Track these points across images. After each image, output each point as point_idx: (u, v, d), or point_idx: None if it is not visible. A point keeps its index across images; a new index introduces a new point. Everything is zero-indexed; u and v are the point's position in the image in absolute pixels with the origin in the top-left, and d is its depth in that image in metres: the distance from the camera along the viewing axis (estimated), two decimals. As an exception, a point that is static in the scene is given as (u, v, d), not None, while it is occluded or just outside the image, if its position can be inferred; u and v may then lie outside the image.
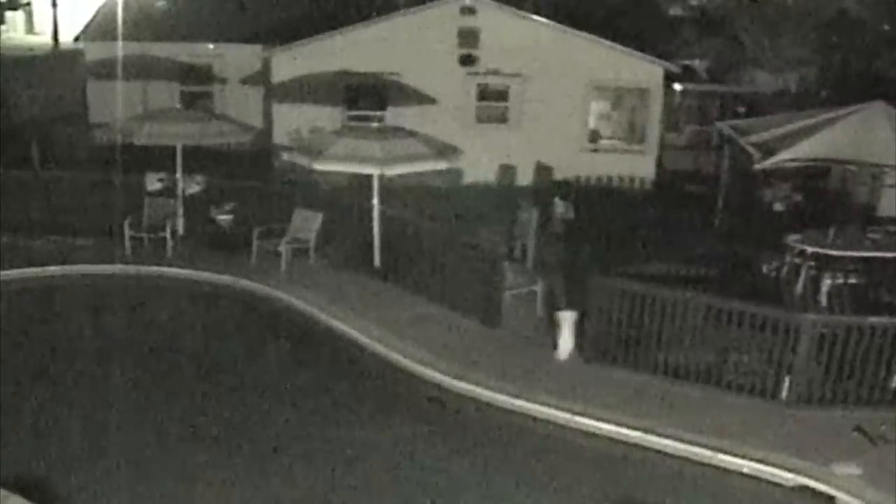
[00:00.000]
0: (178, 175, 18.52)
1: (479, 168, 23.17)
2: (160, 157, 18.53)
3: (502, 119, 24.61)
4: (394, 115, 23.70)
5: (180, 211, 18.49)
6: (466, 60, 24.13)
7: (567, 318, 13.57)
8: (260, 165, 22.76)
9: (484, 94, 24.52)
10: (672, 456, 11.64)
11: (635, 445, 11.85)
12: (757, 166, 16.27)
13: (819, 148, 15.71)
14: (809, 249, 15.80)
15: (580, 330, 13.85)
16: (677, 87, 26.76)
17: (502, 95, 24.47)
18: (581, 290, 14.02)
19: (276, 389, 13.29)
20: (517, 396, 12.76)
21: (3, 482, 9.50)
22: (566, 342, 13.66)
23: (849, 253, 15.62)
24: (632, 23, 27.06)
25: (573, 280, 15.57)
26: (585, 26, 24.28)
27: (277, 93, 24.43)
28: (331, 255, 17.73)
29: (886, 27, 27.41)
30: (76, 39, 27.81)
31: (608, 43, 24.13)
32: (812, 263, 15.76)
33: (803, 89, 27.28)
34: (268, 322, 15.94)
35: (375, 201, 16.71)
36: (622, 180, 23.80)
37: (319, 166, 16.27)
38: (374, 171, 16.27)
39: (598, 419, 12.21)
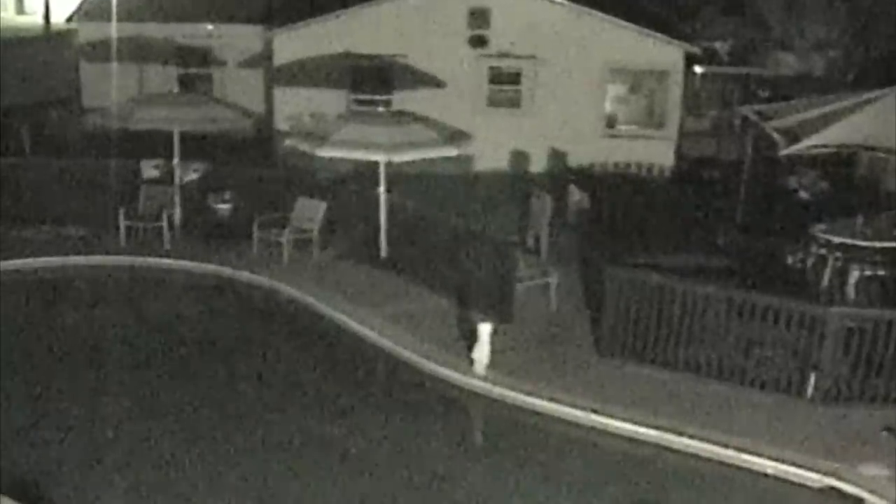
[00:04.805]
0: (176, 162, 18.30)
1: (490, 154, 22.96)
2: (156, 143, 18.35)
3: (515, 103, 24.34)
4: (401, 99, 23.40)
5: (177, 199, 18.27)
6: (477, 42, 23.91)
7: (485, 331, 13.04)
8: (261, 152, 22.73)
9: (496, 77, 24.28)
10: (693, 456, 11.40)
11: (654, 445, 11.65)
12: (782, 152, 15.86)
13: (847, 133, 15.25)
14: (836, 240, 15.48)
15: (596, 323, 13.70)
16: (698, 69, 26.48)
17: (515, 78, 24.22)
18: (597, 282, 13.84)
19: (278, 385, 13.22)
20: (530, 393, 12.54)
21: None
22: (482, 355, 13.04)
23: (878, 243, 15.28)
24: (651, 2, 26.94)
25: (589, 272, 15.50)
26: (602, 6, 24.01)
27: (279, 76, 24.29)
28: (335, 245, 17.49)
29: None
30: (69, 20, 27.80)
31: (626, 23, 23.85)
32: (839, 254, 15.42)
33: (830, 72, 27.17)
34: (269, 315, 15.80)
35: (382, 189, 16.53)
36: (640, 167, 23.46)
37: (324, 153, 16.04)
38: (380, 157, 16.09)
39: (616, 417, 12.01)
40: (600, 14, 23.73)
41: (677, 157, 24.30)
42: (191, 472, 10.76)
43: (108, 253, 17.13)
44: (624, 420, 11.87)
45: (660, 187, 22.57)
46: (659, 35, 23.87)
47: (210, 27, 26.26)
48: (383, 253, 16.72)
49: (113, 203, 17.61)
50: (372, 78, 24.10)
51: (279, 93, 24.31)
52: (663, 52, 23.86)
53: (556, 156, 23.73)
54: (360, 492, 10.68)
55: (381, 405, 12.93)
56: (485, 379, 12.86)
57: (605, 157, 23.07)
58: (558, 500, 10.73)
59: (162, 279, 16.84)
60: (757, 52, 28.05)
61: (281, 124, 23.56)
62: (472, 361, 13.03)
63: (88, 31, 26.05)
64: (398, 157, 15.99)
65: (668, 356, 12.90)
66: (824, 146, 15.45)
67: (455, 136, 16.66)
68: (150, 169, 18.95)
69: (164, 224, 17.63)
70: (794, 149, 15.43)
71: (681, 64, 24.11)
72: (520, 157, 24.07)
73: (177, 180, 18.39)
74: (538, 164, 23.94)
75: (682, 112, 24.87)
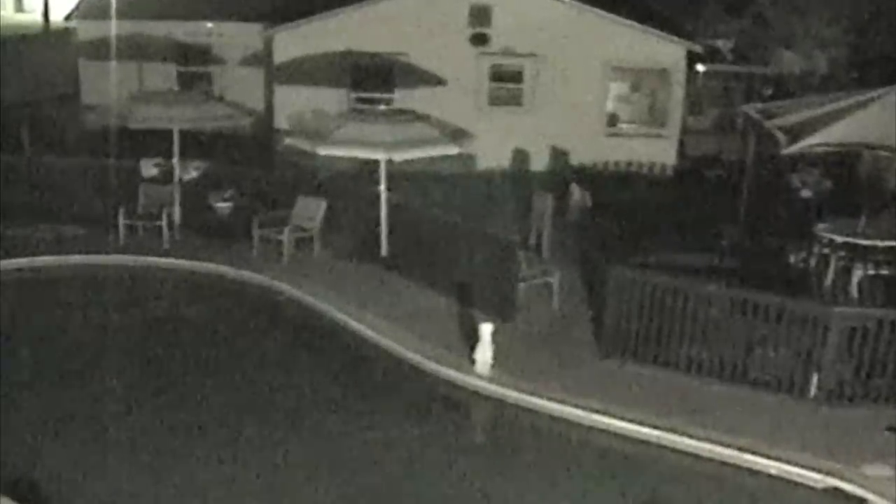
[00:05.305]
0: (175, 160, 18.21)
1: (492, 153, 22.91)
2: (156, 142, 18.30)
3: (516, 101, 24.24)
4: (402, 98, 23.39)
5: (177, 198, 18.18)
6: (478, 40, 23.82)
7: (486, 331, 12.93)
8: (261, 150, 22.60)
9: (497, 75, 24.18)
10: (695, 456, 11.34)
11: (657, 445, 11.58)
12: (784, 151, 15.69)
13: (850, 132, 15.13)
14: (839, 239, 15.44)
15: (598, 323, 13.62)
16: (700, 68, 26.39)
17: (516, 77, 24.12)
18: (599, 282, 13.80)
19: (277, 384, 13.11)
20: (532, 393, 12.45)
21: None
22: (484, 356, 12.94)
23: (881, 243, 15.20)
24: (653, 0, 26.53)
25: (591, 271, 15.46)
26: (604, 4, 23.90)
27: (279, 74, 24.22)
28: (335, 244, 17.39)
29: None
30: (68, 18, 27.72)
31: (628, 21, 23.77)
32: (842, 253, 15.42)
33: (833, 70, 26.93)
34: (269, 315, 15.67)
35: (383, 188, 16.43)
36: (642, 166, 23.58)
37: (324, 151, 15.99)
38: (381, 156, 16.02)
39: (618, 417, 11.92)
40: (602, 12, 23.60)
41: (679, 156, 24.26)
42: (190, 471, 10.73)
43: (107, 252, 17.05)
44: (626, 420, 11.79)
45: (662, 186, 22.60)
46: (661, 33, 23.78)
47: (210, 25, 26.12)
48: (384, 252, 16.62)
49: (112, 202, 17.56)
50: (372, 76, 23.99)
51: (279, 91, 24.20)
52: (665, 51, 23.77)
53: (558, 154, 23.66)
54: (362, 492, 10.61)
55: (382, 405, 12.80)
56: (487, 378, 12.77)
57: (607, 156, 23.19)
58: (560, 500, 10.66)
59: (162, 278, 16.73)
60: (759, 50, 27.94)
61: (281, 123, 23.47)
62: (473, 361, 12.93)
63: (88, 29, 25.94)
64: (399, 156, 15.91)
65: (671, 356, 12.82)
66: (827, 145, 15.33)
67: (456, 135, 16.61)
68: (149, 167, 18.86)
69: (164, 223, 17.55)
70: (797, 147, 15.29)
71: (683, 62, 24.02)
72: (521, 156, 23.95)
73: (176, 179, 18.30)
74: (539, 163, 23.84)
75: (683, 110, 24.77)
